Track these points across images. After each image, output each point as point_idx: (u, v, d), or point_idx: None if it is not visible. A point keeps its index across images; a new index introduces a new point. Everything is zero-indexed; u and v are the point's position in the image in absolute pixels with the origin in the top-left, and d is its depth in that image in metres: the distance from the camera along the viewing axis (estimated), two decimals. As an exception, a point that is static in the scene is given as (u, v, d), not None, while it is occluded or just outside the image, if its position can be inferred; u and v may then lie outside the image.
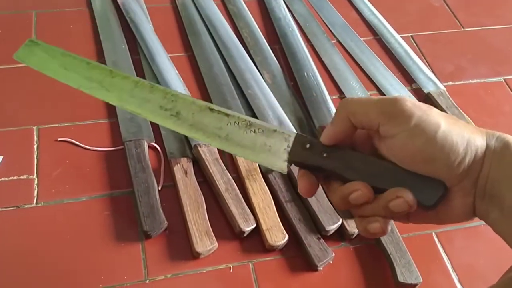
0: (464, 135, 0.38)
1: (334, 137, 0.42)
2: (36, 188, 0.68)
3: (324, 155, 0.41)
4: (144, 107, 0.46)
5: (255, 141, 0.44)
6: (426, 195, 0.39)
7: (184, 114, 0.45)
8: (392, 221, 0.66)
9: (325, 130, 0.42)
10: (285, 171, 0.43)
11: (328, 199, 0.67)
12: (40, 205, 0.67)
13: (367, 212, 0.41)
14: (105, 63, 0.83)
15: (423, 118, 0.38)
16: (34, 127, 0.74)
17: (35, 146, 0.72)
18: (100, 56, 0.85)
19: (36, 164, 0.70)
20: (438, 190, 0.39)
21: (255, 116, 0.78)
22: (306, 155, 0.42)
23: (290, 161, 0.43)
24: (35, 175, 0.69)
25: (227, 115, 0.45)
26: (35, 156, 0.71)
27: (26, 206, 0.66)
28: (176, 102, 0.46)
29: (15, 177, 0.69)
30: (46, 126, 0.74)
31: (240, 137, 0.44)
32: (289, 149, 0.43)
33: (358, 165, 0.41)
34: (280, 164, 0.43)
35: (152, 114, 0.46)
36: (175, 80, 0.81)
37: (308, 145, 0.42)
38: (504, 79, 0.91)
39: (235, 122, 0.44)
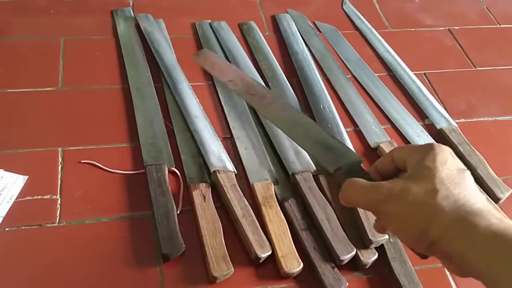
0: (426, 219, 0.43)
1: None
2: (59, 208, 0.70)
3: None
4: None
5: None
6: None
7: None
8: (405, 254, 0.68)
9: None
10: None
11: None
12: (62, 224, 0.69)
13: None
14: (129, 90, 0.86)
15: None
16: (59, 149, 0.77)
17: (60, 167, 0.75)
18: (125, 83, 0.88)
19: (60, 185, 0.72)
20: None
21: (271, 145, 0.81)
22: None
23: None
24: (58, 195, 0.71)
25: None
26: (59, 176, 0.73)
27: (48, 225, 0.68)
28: None
29: (39, 197, 0.71)
30: (71, 148, 0.77)
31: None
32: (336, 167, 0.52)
33: None
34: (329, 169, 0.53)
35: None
36: (196, 108, 0.84)
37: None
38: (515, 118, 0.93)
39: None
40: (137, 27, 0.98)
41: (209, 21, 1.03)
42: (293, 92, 0.90)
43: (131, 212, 0.71)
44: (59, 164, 0.75)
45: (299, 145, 0.59)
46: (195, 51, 0.97)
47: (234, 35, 1.00)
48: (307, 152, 0.76)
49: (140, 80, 0.88)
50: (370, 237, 0.68)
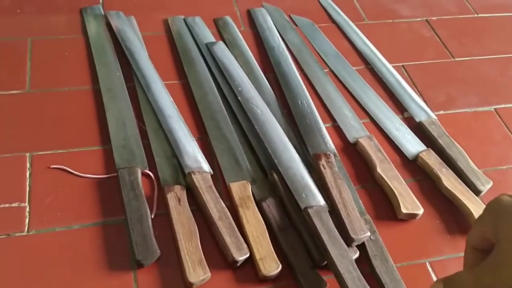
0: None
1: None
2: (28, 216, 0.67)
3: None
4: None
5: None
6: None
7: None
8: (386, 251, 0.67)
9: None
10: None
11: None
12: (31, 233, 0.66)
13: None
14: (99, 90, 0.83)
15: None
16: (27, 154, 0.74)
17: (28, 173, 0.72)
18: (95, 83, 0.85)
19: (28, 192, 0.70)
20: None
21: (249, 144, 0.79)
22: None
23: None
24: (27, 202, 0.69)
25: None
26: (27, 183, 0.71)
27: (17, 235, 0.65)
28: None
29: (7, 205, 0.68)
30: (39, 153, 0.74)
31: None
32: None
33: None
34: None
35: None
36: (170, 107, 0.82)
37: None
38: (494, 109, 0.92)
39: None
40: (108, 25, 0.95)
41: (183, 16, 1.00)
42: (270, 88, 0.88)
43: (103, 217, 0.68)
44: (27, 170, 0.72)
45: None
46: (168, 49, 0.94)
47: (209, 31, 0.98)
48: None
49: (111, 80, 0.85)
50: (351, 235, 0.66)
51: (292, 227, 0.69)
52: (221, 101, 0.85)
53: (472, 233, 0.45)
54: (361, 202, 0.74)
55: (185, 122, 0.81)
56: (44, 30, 0.93)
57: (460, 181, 0.76)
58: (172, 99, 0.84)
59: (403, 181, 0.76)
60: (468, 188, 0.76)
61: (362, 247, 0.68)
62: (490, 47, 1.05)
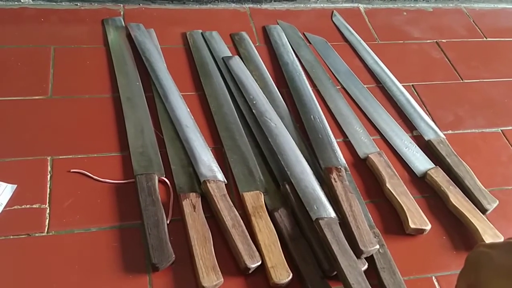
0: None
1: None
2: (48, 217, 0.70)
3: None
4: None
5: None
6: None
7: None
8: (394, 264, 0.69)
9: None
10: None
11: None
12: (51, 234, 0.68)
13: None
14: (119, 98, 0.86)
15: None
16: (49, 158, 0.76)
17: (49, 176, 0.74)
18: (115, 92, 0.88)
19: (49, 194, 0.72)
20: None
21: (262, 155, 0.81)
22: None
23: None
24: (47, 204, 0.71)
25: None
26: (48, 186, 0.73)
27: (37, 235, 0.68)
28: None
29: (28, 206, 0.70)
30: (60, 157, 0.77)
31: None
32: None
33: None
34: None
35: None
36: (187, 117, 0.84)
37: None
38: (501, 130, 0.94)
39: None
40: (128, 36, 0.98)
41: (200, 31, 1.03)
42: (284, 103, 0.91)
43: (120, 221, 0.71)
44: (48, 173, 0.75)
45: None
46: (186, 61, 0.97)
47: (226, 45, 1.01)
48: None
49: (130, 89, 0.88)
50: (361, 247, 0.68)
51: (303, 237, 0.70)
52: (236, 113, 0.87)
53: (459, 284, 0.49)
54: (370, 215, 0.76)
55: (201, 132, 0.83)
56: (67, 39, 0.97)
57: (467, 199, 0.78)
58: (188, 110, 0.86)
59: (411, 197, 0.78)
60: (474, 206, 0.78)
61: (370, 259, 0.69)
62: (498, 70, 1.08)
